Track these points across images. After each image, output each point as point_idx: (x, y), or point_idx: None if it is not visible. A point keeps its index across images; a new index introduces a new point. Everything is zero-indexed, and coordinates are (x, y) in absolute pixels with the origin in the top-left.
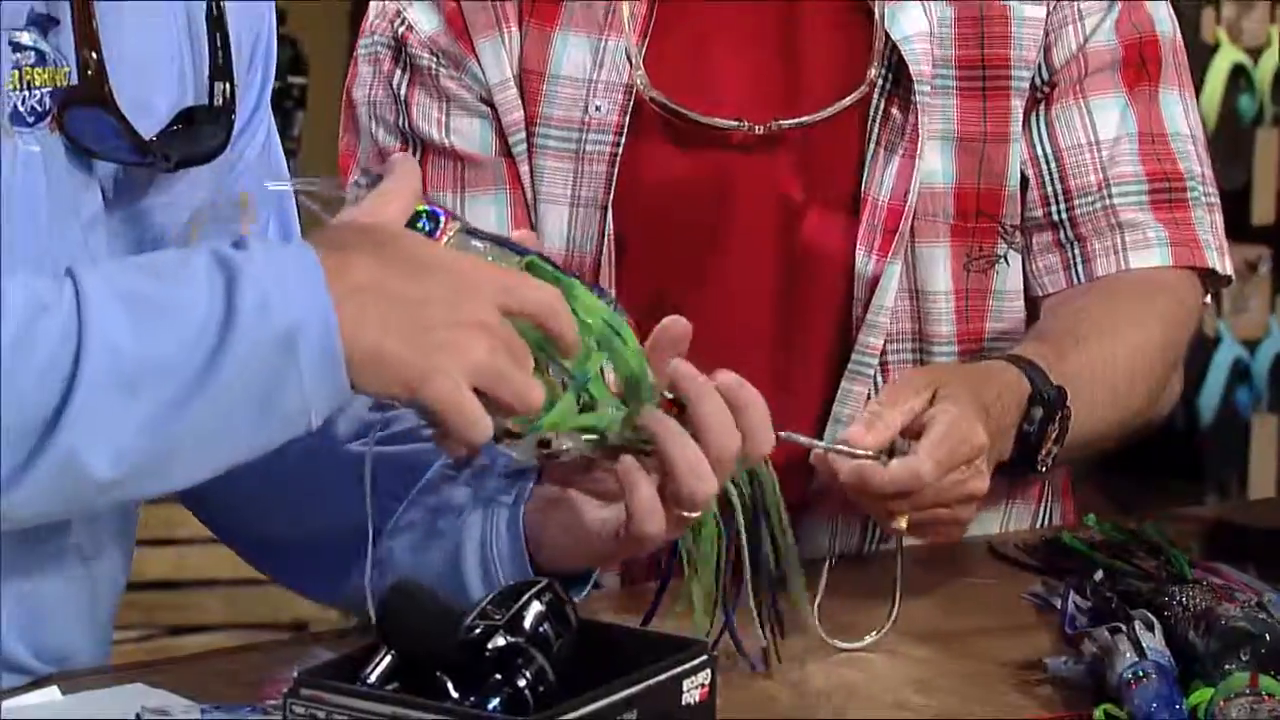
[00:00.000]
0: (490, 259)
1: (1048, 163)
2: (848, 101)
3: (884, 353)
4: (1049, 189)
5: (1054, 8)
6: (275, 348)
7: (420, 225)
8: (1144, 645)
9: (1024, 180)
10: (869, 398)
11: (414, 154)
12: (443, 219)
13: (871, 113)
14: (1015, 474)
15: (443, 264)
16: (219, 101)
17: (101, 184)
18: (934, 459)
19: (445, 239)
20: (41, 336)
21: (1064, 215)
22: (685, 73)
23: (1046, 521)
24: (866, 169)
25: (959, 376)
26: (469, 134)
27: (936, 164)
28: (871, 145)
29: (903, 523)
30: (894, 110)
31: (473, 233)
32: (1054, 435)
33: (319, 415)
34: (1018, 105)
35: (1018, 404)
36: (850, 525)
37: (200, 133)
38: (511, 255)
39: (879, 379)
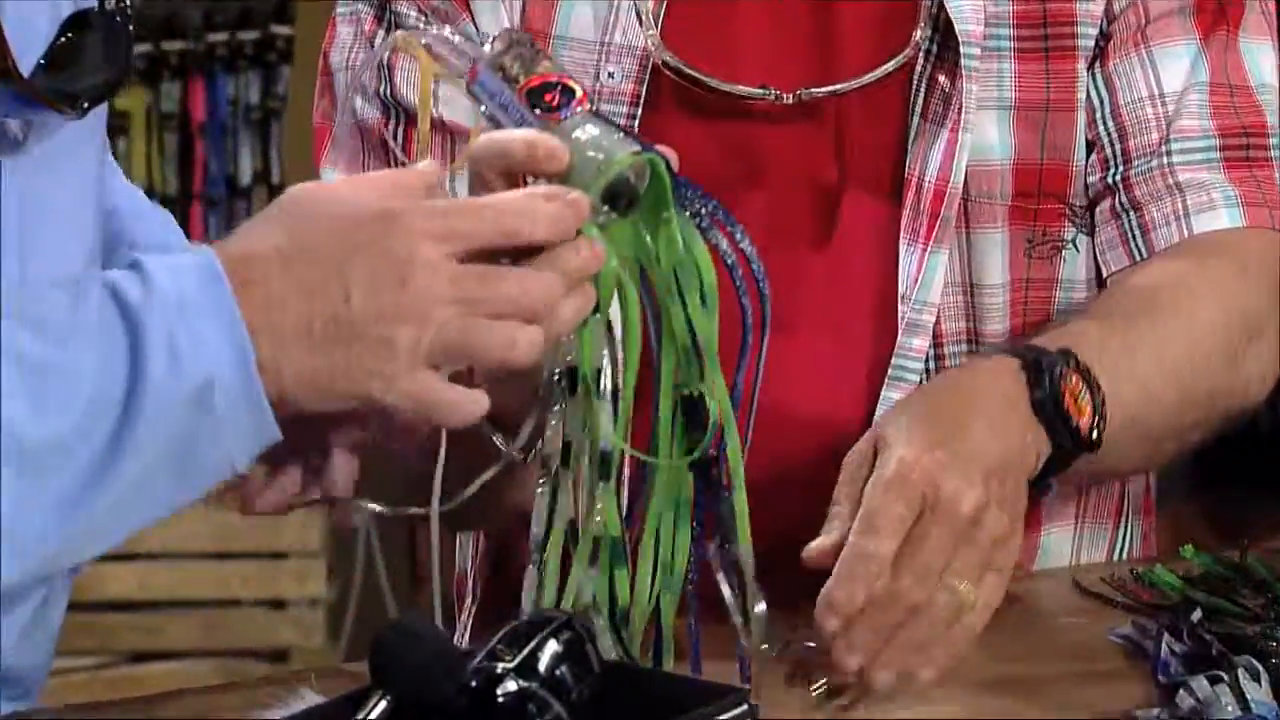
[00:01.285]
0: (600, 148)
1: (1105, 123)
2: (889, 67)
3: (937, 356)
4: (1108, 150)
5: None
6: (189, 405)
7: (548, 102)
8: (1249, 697)
9: (1090, 149)
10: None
11: (397, 127)
12: (578, 94)
13: (915, 80)
14: (1069, 456)
15: (361, 230)
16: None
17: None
18: (870, 526)
19: (571, 116)
20: None
21: (1119, 179)
22: (705, 35)
23: (1126, 543)
24: (910, 145)
25: (916, 411)
26: (455, 102)
27: (992, 137)
28: (915, 118)
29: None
30: (941, 77)
31: (598, 116)
32: (1084, 397)
33: (244, 463)
34: (1084, 68)
35: (1011, 400)
36: None
37: (96, 48)
38: (631, 144)
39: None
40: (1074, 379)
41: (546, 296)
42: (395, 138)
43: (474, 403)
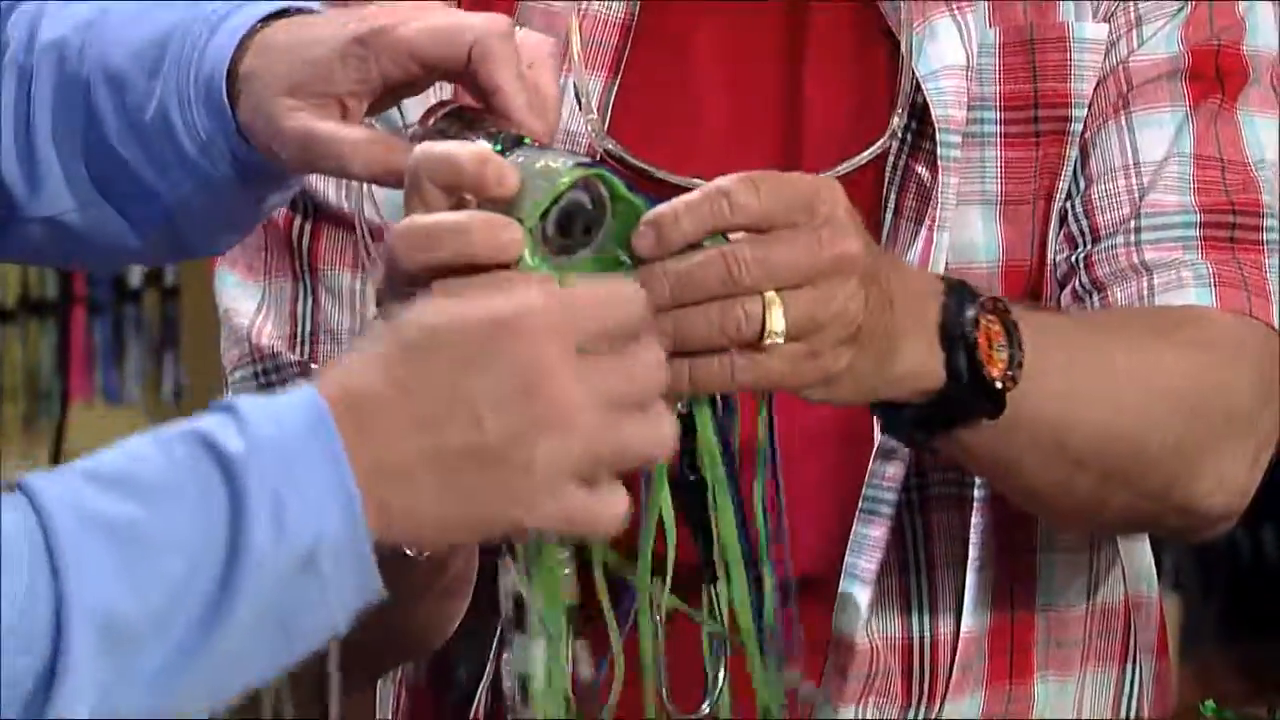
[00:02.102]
0: (550, 172)
1: (1074, 196)
2: (862, 159)
3: (920, 486)
4: (1074, 227)
5: (1116, 13)
6: (293, 572)
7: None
8: None
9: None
10: (893, 547)
11: (304, 224)
12: (529, 142)
13: (889, 173)
14: (962, 408)
15: (473, 342)
16: None
17: None
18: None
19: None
20: (4, 596)
21: (1082, 258)
22: (658, 122)
23: (1135, 689)
24: (884, 244)
25: None
26: (381, 195)
27: (976, 236)
28: (889, 215)
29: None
30: (919, 168)
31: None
32: (1000, 349)
33: (345, 624)
34: (1077, 154)
35: (923, 305)
36: None
37: None
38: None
39: (910, 522)
40: (995, 326)
41: (662, 371)
42: (301, 236)
43: (620, 502)
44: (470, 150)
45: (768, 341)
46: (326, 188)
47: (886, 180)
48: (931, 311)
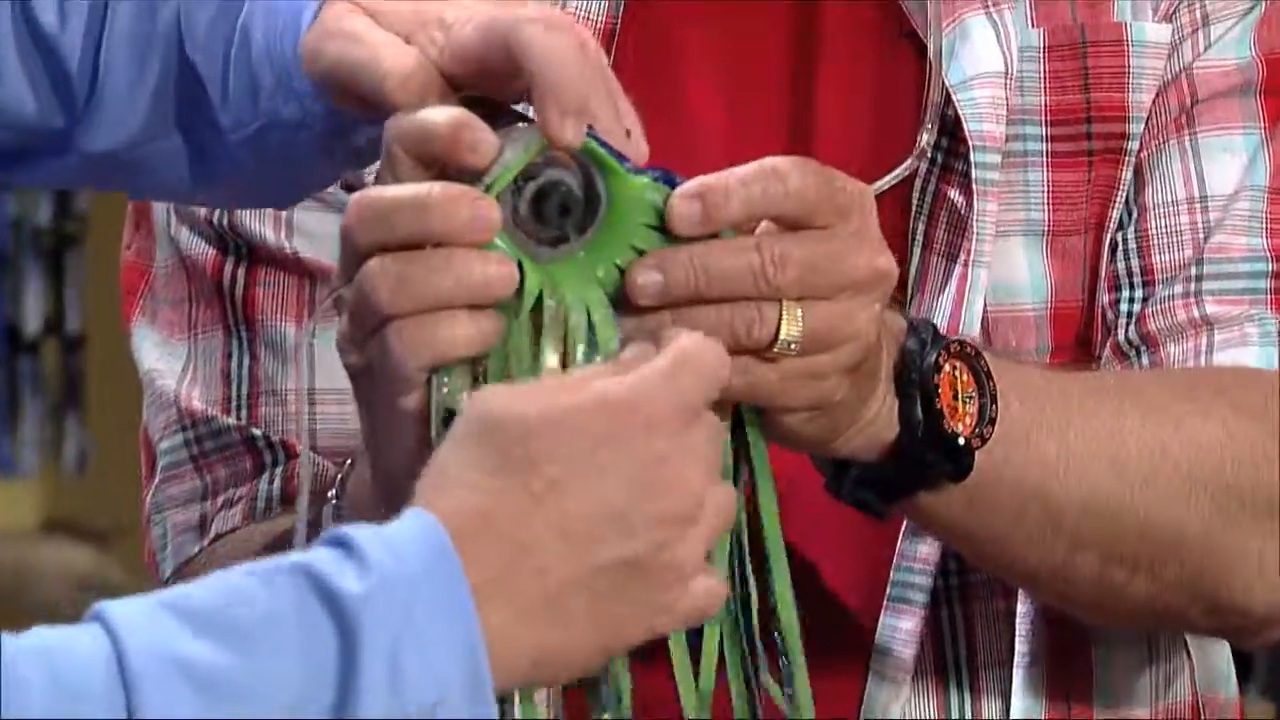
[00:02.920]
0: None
1: (1127, 230)
2: (883, 184)
3: (959, 569)
4: (1122, 265)
5: (1180, 11)
6: None
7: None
8: None
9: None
10: (928, 640)
11: (237, 268)
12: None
13: (916, 200)
14: (924, 463)
15: (589, 438)
16: None
17: None
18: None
19: None
20: None
21: (1131, 306)
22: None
23: None
24: (911, 286)
25: None
26: (320, 234)
27: (1019, 273)
28: (916, 249)
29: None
30: (951, 193)
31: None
32: (968, 400)
33: None
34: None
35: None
36: None
37: None
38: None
39: (948, 611)
40: (964, 375)
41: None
42: (234, 283)
43: (715, 570)
44: (445, 113)
45: (775, 350)
46: (263, 226)
47: (914, 208)
48: (889, 352)
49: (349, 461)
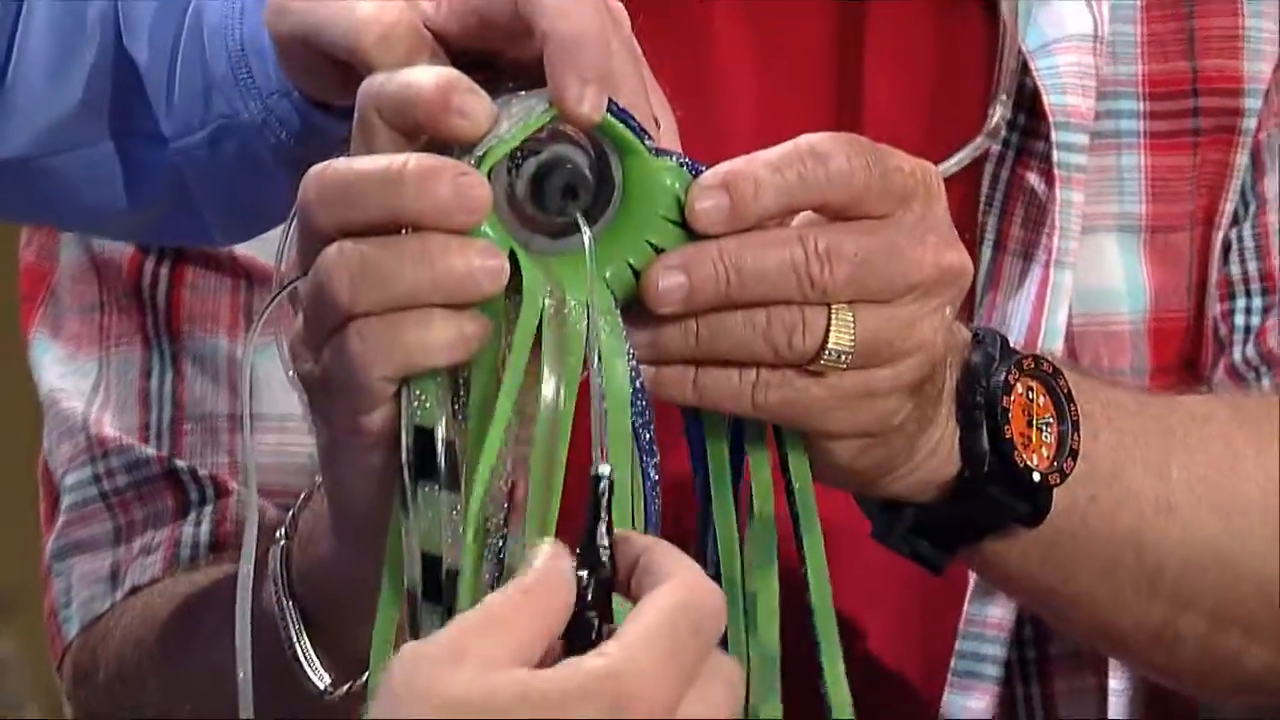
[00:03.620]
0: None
1: (1241, 225)
2: (946, 168)
3: (1036, 638)
4: (1237, 268)
5: None
6: None
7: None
8: None
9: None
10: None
11: (158, 266)
12: None
13: (986, 189)
14: (992, 503)
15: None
16: None
17: None
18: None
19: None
20: None
21: (1252, 318)
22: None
23: None
24: (980, 292)
25: None
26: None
27: (1112, 277)
28: (987, 247)
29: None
30: (1029, 180)
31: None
32: (1046, 429)
33: None
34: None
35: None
36: None
37: None
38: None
39: (1024, 689)
40: (1039, 397)
41: None
42: (155, 286)
43: None
44: (431, 72)
45: (823, 363)
46: None
47: (983, 199)
48: (952, 370)
49: (303, 495)
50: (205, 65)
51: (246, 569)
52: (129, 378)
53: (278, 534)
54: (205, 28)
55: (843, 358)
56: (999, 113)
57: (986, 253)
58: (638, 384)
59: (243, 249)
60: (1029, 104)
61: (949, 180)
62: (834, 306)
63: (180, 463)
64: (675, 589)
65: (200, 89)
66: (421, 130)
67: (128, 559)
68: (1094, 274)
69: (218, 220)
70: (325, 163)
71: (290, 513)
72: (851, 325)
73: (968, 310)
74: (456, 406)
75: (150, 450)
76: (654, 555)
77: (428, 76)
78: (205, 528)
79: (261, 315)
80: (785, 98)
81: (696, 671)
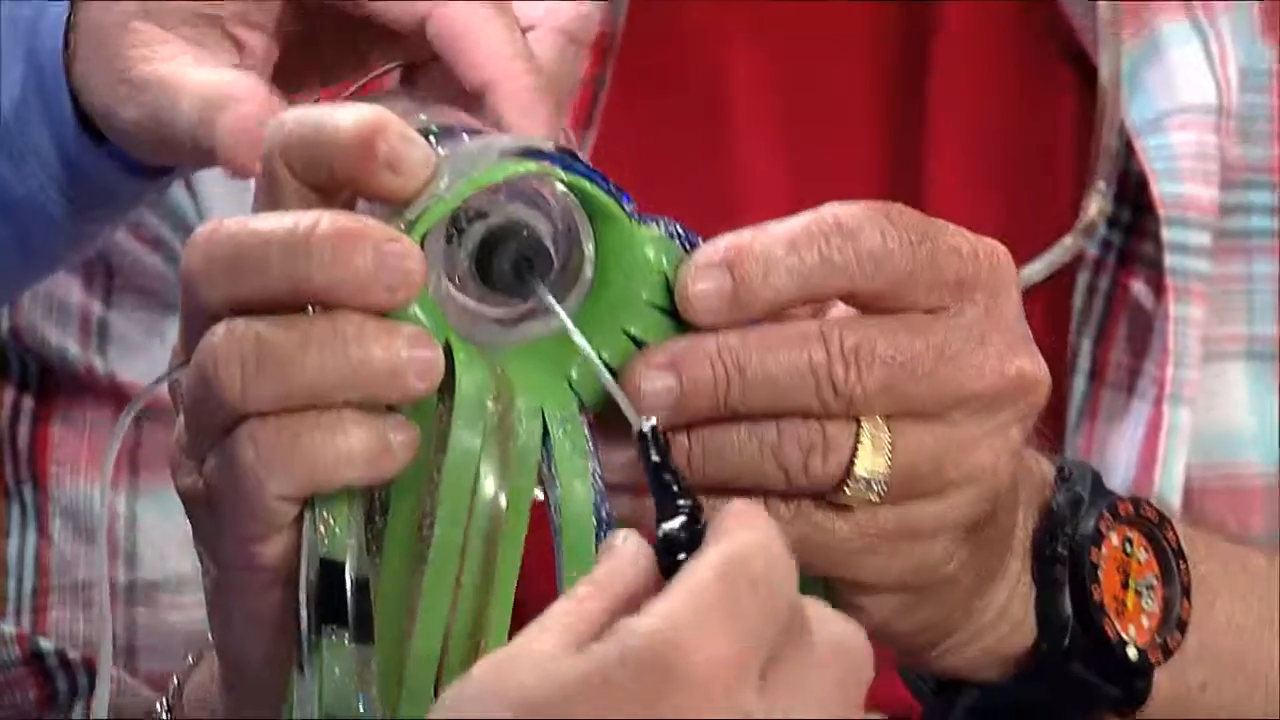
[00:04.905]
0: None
1: None
2: (1032, 271)
3: None
4: None
5: None
6: None
7: None
8: None
9: None
10: None
11: (19, 395)
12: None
13: (1081, 300)
14: (1076, 684)
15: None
16: None
17: None
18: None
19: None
20: None
21: None
22: (665, 198)
23: None
24: (1071, 431)
25: None
26: (138, 351)
27: (1239, 414)
28: (1080, 377)
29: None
30: (1135, 289)
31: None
32: (1149, 592)
33: None
34: None
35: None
36: None
37: None
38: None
39: None
40: (1141, 553)
41: None
42: (16, 422)
43: None
44: (354, 112)
45: (849, 493)
46: (62, 334)
47: (1076, 315)
48: (1027, 513)
49: (190, 657)
50: None
51: None
52: None
53: (158, 704)
54: None
55: (875, 487)
56: (1096, 204)
57: (1080, 383)
58: (604, 513)
59: (127, 372)
60: (1135, 194)
61: (1031, 290)
62: (864, 422)
63: (46, 644)
64: (721, 543)
65: None
66: (339, 186)
67: None
68: (1217, 412)
69: None
70: (214, 222)
71: (176, 680)
72: (887, 445)
73: (1050, 440)
74: (370, 535)
75: (9, 628)
76: (719, 517)
77: (347, 118)
78: None
79: (129, 411)
80: (822, 168)
81: (766, 631)
